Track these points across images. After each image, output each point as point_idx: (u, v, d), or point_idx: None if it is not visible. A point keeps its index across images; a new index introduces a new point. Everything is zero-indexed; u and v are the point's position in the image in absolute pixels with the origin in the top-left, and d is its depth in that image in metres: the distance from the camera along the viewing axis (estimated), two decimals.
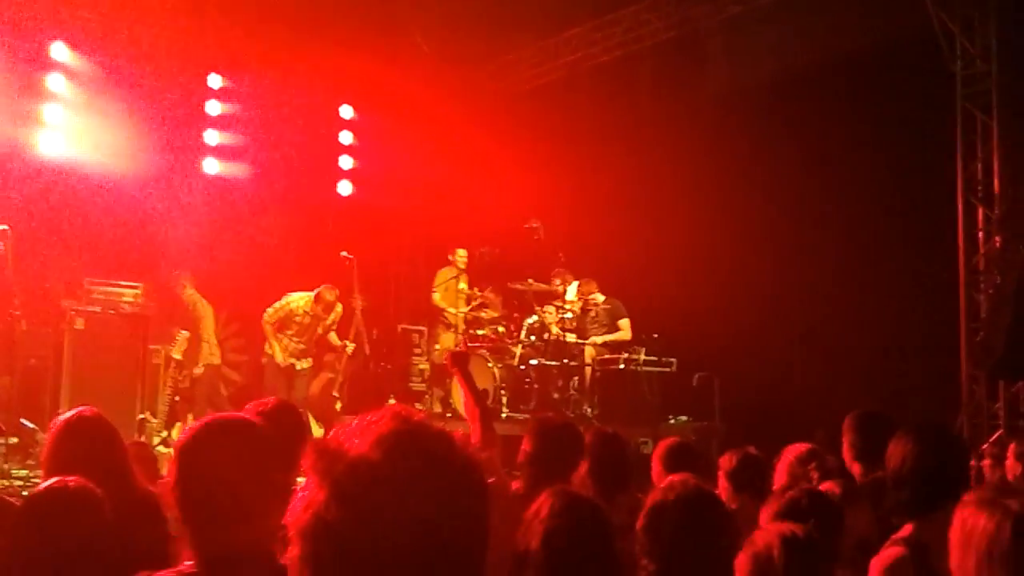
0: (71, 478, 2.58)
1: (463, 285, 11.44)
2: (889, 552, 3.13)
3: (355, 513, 1.17)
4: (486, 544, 1.26)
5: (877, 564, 3.10)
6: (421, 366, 11.81)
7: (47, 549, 2.36)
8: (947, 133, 9.54)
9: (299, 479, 1.79)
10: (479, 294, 11.22)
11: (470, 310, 11.21)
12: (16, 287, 8.70)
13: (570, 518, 2.60)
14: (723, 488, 4.72)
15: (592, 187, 11.44)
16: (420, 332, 12.01)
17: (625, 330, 10.47)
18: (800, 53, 10.32)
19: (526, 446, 4.12)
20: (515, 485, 4.15)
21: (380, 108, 12.48)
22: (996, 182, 9.42)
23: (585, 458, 4.42)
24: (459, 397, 10.27)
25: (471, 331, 10.92)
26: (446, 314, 11.33)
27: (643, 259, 10.64)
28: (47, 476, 3.06)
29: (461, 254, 11.35)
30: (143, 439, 8.46)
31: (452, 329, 11.19)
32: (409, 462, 1.20)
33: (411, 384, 11.77)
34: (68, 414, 3.60)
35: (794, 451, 4.38)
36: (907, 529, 3.21)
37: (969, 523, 2.16)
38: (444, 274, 11.44)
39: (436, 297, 11.44)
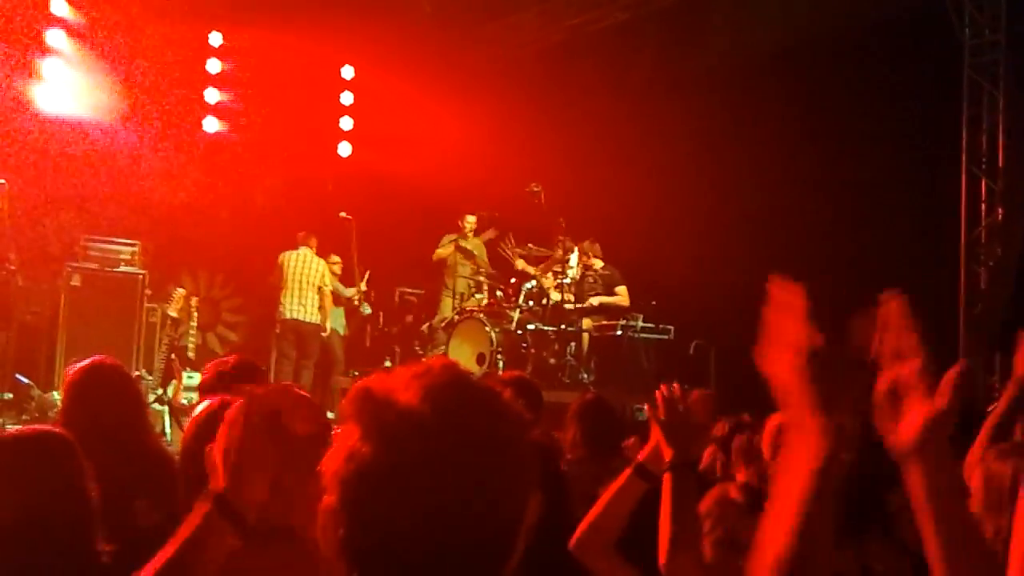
0: (46, 426, 2.55)
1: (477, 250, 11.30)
2: None
3: (403, 465, 1.16)
4: (530, 499, 1.25)
5: None
6: (421, 328, 11.76)
7: (10, 496, 2.33)
8: (953, 103, 9.44)
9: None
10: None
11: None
12: (12, 243, 8.70)
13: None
14: (713, 454, 4.73)
15: (594, 152, 11.33)
16: (418, 295, 11.97)
17: (623, 296, 10.40)
18: (806, 19, 10.18)
19: None
20: None
21: (381, 69, 12.36)
22: (1000, 154, 9.34)
23: (575, 424, 4.44)
24: (458, 361, 10.25)
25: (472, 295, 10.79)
26: (447, 281, 11.19)
27: (644, 226, 10.56)
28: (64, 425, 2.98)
29: (470, 220, 11.24)
30: None
31: (454, 295, 11.07)
32: (461, 416, 1.20)
33: (414, 347, 11.72)
34: (84, 362, 3.49)
35: (776, 420, 4.36)
36: None
37: (993, 468, 2.46)
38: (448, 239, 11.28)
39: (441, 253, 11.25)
